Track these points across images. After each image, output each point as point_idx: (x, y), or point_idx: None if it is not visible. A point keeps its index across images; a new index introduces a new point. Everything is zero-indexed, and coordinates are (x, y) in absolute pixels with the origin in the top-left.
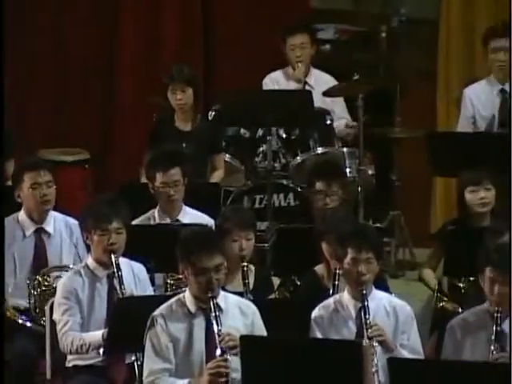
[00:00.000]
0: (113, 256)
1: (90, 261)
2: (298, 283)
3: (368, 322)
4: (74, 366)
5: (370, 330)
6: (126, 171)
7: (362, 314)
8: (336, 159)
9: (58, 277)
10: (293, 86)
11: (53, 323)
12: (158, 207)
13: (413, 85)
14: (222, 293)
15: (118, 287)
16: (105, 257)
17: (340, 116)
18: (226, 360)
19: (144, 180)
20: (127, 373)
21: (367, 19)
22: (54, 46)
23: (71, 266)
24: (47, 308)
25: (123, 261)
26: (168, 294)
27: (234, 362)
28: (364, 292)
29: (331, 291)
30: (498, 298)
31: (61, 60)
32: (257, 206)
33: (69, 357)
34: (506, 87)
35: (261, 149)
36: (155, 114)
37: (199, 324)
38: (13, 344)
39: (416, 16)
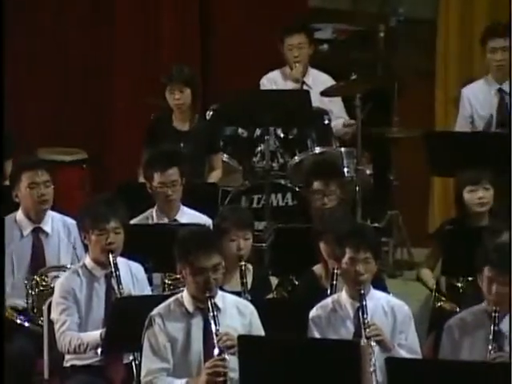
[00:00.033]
0: (111, 256)
1: (87, 260)
2: (296, 283)
3: (366, 321)
4: (72, 366)
5: (367, 330)
6: (123, 171)
7: (360, 314)
8: (334, 159)
9: (56, 277)
10: (290, 85)
11: (51, 323)
12: (155, 207)
13: (411, 84)
14: (219, 292)
15: (115, 287)
16: (103, 256)
17: (338, 116)
18: (223, 360)
19: (142, 180)
20: (125, 372)
21: (365, 19)
22: (52, 46)
23: (69, 266)
24: (45, 308)
25: (121, 260)
26: (166, 293)
27: (232, 361)
28: (362, 292)
29: (329, 291)
30: (496, 298)
31: (59, 60)
32: (255, 205)
33: (66, 356)
34: (504, 87)
35: (259, 148)
36: (153, 114)
37: (197, 324)
38: (11, 344)
39: (414, 16)
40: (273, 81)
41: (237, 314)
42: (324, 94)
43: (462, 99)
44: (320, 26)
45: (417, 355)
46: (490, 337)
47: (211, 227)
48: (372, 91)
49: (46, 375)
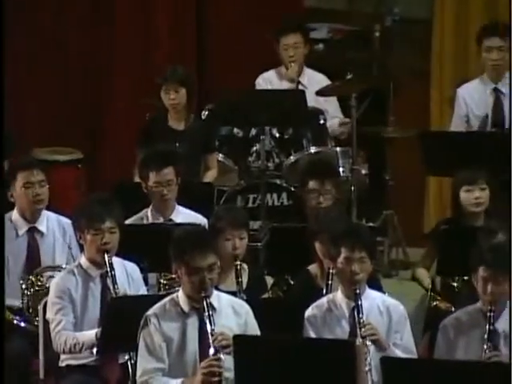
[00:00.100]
0: (106, 255)
1: (83, 260)
2: (292, 282)
3: (361, 321)
4: (67, 366)
5: (363, 330)
6: (118, 171)
7: (356, 314)
8: (329, 158)
9: (51, 277)
10: (286, 85)
11: (46, 323)
12: (151, 207)
13: (406, 84)
14: (215, 292)
15: (111, 287)
16: (98, 256)
17: (333, 115)
18: (218, 359)
19: (137, 179)
20: (120, 372)
21: (361, 18)
22: (50, 47)
23: (64, 266)
24: (40, 308)
25: (116, 260)
26: (161, 293)
27: (227, 361)
28: (357, 291)
29: (324, 291)
30: (490, 298)
31: (55, 60)
32: (250, 205)
33: (62, 356)
34: (499, 86)
35: (254, 148)
36: (148, 114)
37: (192, 323)
38: (6, 344)
39: (409, 15)
40: (268, 80)
41: (232, 314)
42: (319, 93)
43: (458, 99)
44: (315, 25)
45: (412, 355)
46: (485, 336)
47: (206, 227)
48: (367, 91)
49: (41, 375)
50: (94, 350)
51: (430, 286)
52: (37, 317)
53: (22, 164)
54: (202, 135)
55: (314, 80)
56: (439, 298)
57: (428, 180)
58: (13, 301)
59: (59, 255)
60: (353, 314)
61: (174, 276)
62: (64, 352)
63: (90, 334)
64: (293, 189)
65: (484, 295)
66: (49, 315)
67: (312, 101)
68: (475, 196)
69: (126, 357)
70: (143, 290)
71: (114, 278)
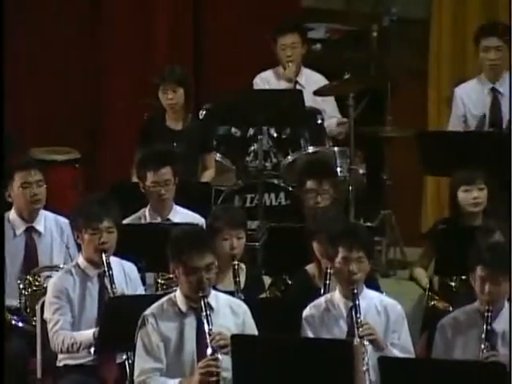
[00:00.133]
0: (104, 255)
1: (80, 260)
2: (289, 282)
3: (359, 321)
4: (65, 366)
5: (361, 329)
6: (116, 170)
7: (353, 313)
8: (327, 158)
9: (49, 276)
10: (283, 85)
11: (44, 322)
12: (148, 206)
13: (404, 84)
14: (212, 292)
15: (108, 286)
16: (96, 256)
17: (331, 115)
18: (216, 359)
19: (135, 179)
20: (118, 372)
21: (358, 18)
22: (50, 47)
23: (62, 266)
24: (38, 307)
25: (114, 260)
26: (159, 293)
27: (225, 361)
28: (355, 291)
29: (322, 290)
30: (488, 297)
31: (55, 60)
32: (248, 205)
33: (59, 356)
34: (497, 86)
35: (252, 148)
36: (146, 114)
37: (190, 323)
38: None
39: (407, 15)
40: (266, 80)
41: (230, 314)
42: (317, 93)
43: (455, 99)
44: (313, 25)
45: (410, 354)
46: (483, 336)
47: (204, 226)
48: (365, 91)
49: (38, 374)
50: (92, 350)
51: (428, 286)
52: (34, 317)
53: (19, 164)
54: (199, 135)
55: (311, 80)
56: (437, 297)
57: (426, 180)
58: (10, 301)
59: (57, 255)
60: (350, 313)
61: (171, 276)
62: (62, 352)
63: (88, 333)
64: (291, 189)
65: (482, 295)
66: (46, 315)
67: (310, 101)
68: (473, 196)
69: (124, 356)
70: (141, 290)
71: (111, 277)
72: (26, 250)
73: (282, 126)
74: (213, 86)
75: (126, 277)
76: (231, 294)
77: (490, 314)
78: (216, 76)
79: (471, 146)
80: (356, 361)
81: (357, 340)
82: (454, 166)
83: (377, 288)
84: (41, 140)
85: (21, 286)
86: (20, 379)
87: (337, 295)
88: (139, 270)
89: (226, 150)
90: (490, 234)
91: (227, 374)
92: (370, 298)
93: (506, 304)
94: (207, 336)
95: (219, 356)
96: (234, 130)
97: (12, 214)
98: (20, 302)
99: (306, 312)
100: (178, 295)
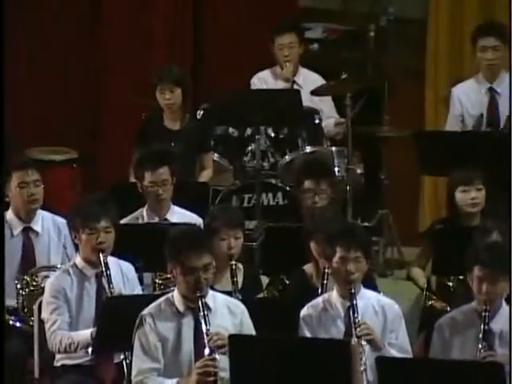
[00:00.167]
0: (101, 255)
1: (78, 260)
2: (287, 282)
3: (356, 320)
4: (63, 366)
5: (358, 329)
6: (114, 170)
7: (351, 313)
8: (324, 158)
9: (47, 276)
10: (281, 85)
11: (41, 323)
12: (146, 206)
13: (401, 84)
14: (210, 292)
15: (106, 286)
16: (93, 256)
17: (328, 115)
18: (214, 359)
19: (132, 179)
20: (115, 372)
21: (355, 18)
22: (50, 47)
23: (59, 266)
24: (35, 307)
25: (112, 260)
26: (156, 293)
27: (223, 361)
28: (352, 291)
29: (320, 290)
30: (486, 297)
31: (55, 60)
32: (245, 205)
33: (57, 356)
34: (494, 86)
35: (249, 148)
36: (144, 114)
37: (188, 323)
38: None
39: (404, 15)
40: (263, 80)
41: (227, 314)
42: (314, 93)
43: (453, 98)
44: (310, 25)
45: (407, 354)
46: (480, 336)
47: (202, 226)
48: (362, 90)
49: (36, 374)
50: (89, 350)
51: (426, 286)
52: (32, 317)
53: (16, 164)
54: (197, 135)
55: (308, 80)
56: (434, 297)
57: (423, 179)
58: (8, 301)
59: (54, 255)
60: (348, 313)
61: (169, 276)
62: (59, 352)
63: (85, 333)
64: (288, 188)
65: (479, 295)
66: (44, 315)
67: (307, 100)
68: (471, 196)
69: (121, 356)
70: (138, 290)
71: (109, 277)
72: (24, 250)
73: (279, 125)
74: (212, 86)
75: (123, 277)
76: (229, 294)
77: (487, 313)
78: (214, 76)
79: (468, 146)
80: (354, 361)
81: (354, 340)
82: (452, 165)
83: (374, 288)
84: (40, 140)
85: (18, 286)
86: (18, 379)
87: (334, 295)
88: (137, 269)
89: (223, 149)
90: (488, 233)
91: (225, 374)
92: (367, 298)
93: (504, 304)
94: (205, 336)
95: (217, 356)
96: (231, 129)
97: (9, 214)
98: (17, 302)
99: (304, 312)
100: (175, 295)
